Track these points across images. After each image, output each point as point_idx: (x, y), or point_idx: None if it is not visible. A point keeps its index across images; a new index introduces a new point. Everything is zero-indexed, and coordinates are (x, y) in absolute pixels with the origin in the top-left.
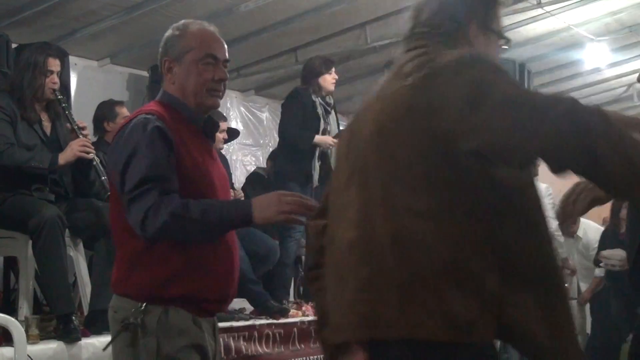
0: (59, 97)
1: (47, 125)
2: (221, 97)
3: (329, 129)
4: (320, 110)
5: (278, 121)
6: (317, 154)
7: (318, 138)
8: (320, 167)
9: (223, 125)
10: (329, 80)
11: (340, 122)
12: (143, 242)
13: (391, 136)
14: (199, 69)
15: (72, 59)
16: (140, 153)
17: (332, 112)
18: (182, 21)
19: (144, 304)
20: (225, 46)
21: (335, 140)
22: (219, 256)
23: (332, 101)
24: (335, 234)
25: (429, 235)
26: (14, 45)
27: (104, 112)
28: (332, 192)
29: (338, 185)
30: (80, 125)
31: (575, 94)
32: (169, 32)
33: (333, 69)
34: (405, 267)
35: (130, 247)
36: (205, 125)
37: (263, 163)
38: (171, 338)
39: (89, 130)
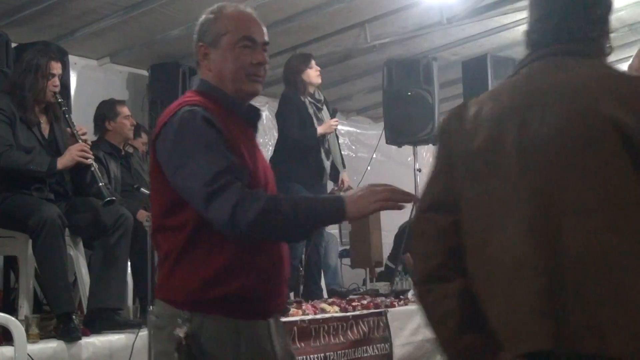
0: (60, 100)
1: (45, 128)
2: (261, 83)
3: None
4: (311, 110)
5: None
6: (322, 150)
7: (320, 128)
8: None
9: None
10: (312, 74)
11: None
12: (184, 240)
13: (593, 149)
14: (236, 53)
15: (71, 58)
16: (202, 146)
17: (324, 107)
18: (217, 4)
19: (185, 312)
20: (264, 28)
21: (336, 121)
22: (265, 249)
23: (322, 97)
24: (492, 238)
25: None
26: (13, 45)
27: (105, 111)
28: (472, 187)
29: (488, 181)
30: (80, 131)
31: None
32: (203, 17)
33: (313, 62)
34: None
35: (171, 247)
36: (247, 114)
37: None
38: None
39: (89, 129)
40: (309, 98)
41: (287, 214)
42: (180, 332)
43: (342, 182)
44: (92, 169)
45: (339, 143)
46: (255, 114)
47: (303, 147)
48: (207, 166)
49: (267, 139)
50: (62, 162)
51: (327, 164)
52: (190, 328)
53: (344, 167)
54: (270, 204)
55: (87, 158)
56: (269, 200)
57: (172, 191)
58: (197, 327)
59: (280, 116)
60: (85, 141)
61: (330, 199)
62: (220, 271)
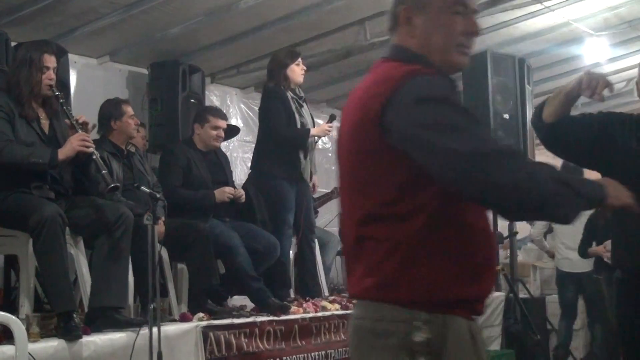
0: (56, 93)
1: (44, 123)
2: (469, 55)
3: (304, 122)
4: (293, 105)
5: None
6: (301, 151)
7: (314, 130)
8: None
9: (219, 123)
10: (296, 71)
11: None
12: (419, 230)
13: None
14: (447, 19)
15: (71, 57)
16: (459, 111)
17: (305, 104)
18: None
19: (422, 313)
20: None
21: (330, 126)
22: (487, 243)
23: (302, 94)
24: None
25: None
26: (13, 44)
27: (111, 110)
28: None
29: None
30: (81, 120)
31: None
32: None
33: (299, 60)
34: None
35: (399, 239)
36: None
37: None
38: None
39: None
40: (291, 93)
41: (575, 188)
42: (419, 337)
43: (313, 186)
44: (94, 157)
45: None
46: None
47: (289, 145)
48: (472, 133)
49: None
50: (64, 152)
51: (304, 163)
52: (431, 331)
53: (315, 171)
54: (555, 175)
55: (88, 147)
56: (553, 172)
57: (403, 172)
58: (439, 330)
59: (265, 110)
60: (86, 131)
61: (589, 181)
62: (459, 267)
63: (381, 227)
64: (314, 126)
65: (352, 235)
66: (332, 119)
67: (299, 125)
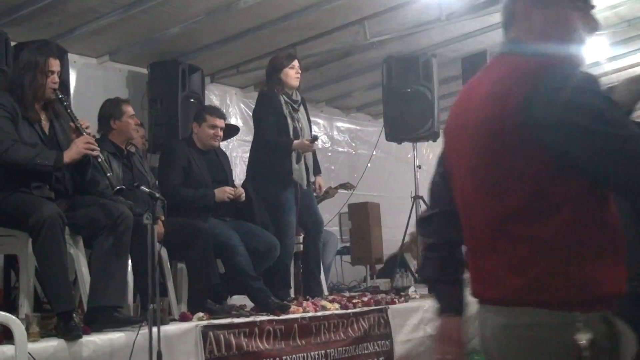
0: (60, 96)
1: (45, 125)
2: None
3: (299, 126)
4: (286, 110)
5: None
6: (294, 155)
7: (296, 143)
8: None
9: (216, 122)
10: (291, 74)
11: (310, 117)
12: (566, 226)
13: None
14: (569, 14)
15: (71, 57)
16: (605, 100)
17: (301, 108)
18: None
19: (578, 314)
20: None
21: (311, 145)
22: (621, 237)
23: (298, 98)
24: None
25: None
26: (12, 43)
27: (111, 109)
28: None
29: None
30: (84, 125)
31: None
32: None
33: (295, 63)
34: None
35: (546, 237)
36: None
37: None
38: None
39: (94, 126)
40: (285, 97)
41: None
42: (583, 339)
43: (319, 186)
44: (99, 160)
45: (314, 152)
46: None
47: (276, 152)
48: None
49: None
50: (69, 155)
51: (296, 168)
52: (594, 331)
53: (320, 171)
54: None
55: (93, 150)
56: None
57: (544, 167)
58: (601, 328)
59: (256, 116)
60: (89, 134)
61: None
62: (612, 260)
63: (523, 224)
64: (310, 129)
65: (487, 233)
66: (314, 139)
67: (290, 130)
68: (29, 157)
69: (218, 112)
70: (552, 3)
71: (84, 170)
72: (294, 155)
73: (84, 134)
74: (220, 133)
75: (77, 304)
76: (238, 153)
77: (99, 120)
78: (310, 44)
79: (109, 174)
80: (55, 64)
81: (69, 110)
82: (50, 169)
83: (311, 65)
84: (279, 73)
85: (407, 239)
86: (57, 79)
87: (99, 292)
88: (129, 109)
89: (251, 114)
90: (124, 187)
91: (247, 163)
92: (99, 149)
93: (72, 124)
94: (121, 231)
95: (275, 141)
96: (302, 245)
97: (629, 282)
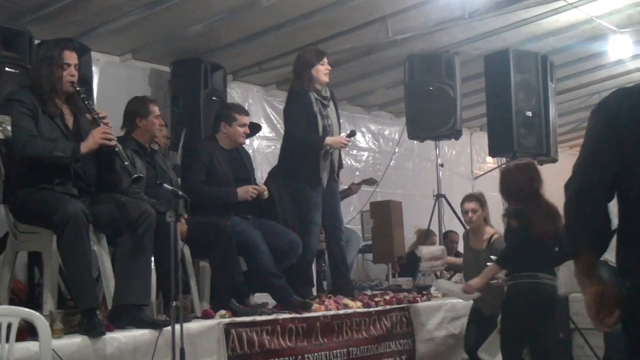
0: (77, 89)
1: (69, 119)
2: None
3: (328, 123)
4: (316, 108)
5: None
6: (321, 153)
7: (329, 139)
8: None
9: (245, 120)
10: (321, 70)
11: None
12: None
13: None
14: None
15: (94, 55)
16: None
17: (330, 104)
18: None
19: None
20: None
21: (347, 141)
22: None
23: (327, 93)
24: None
25: None
26: (36, 41)
27: (137, 107)
28: None
29: None
30: (101, 115)
31: (597, 87)
32: None
33: (325, 59)
34: None
35: None
36: None
37: None
38: None
39: (117, 123)
40: (315, 94)
41: None
42: None
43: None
44: (117, 149)
45: (340, 151)
46: None
47: (303, 149)
48: None
49: None
50: (86, 145)
51: (322, 165)
52: None
53: (341, 165)
54: None
55: (110, 139)
56: None
57: None
58: None
59: (285, 113)
60: (106, 124)
61: None
62: None
63: None
64: (339, 126)
65: None
66: (352, 134)
67: (320, 127)
68: (46, 150)
69: (244, 110)
70: None
71: (110, 162)
72: (320, 153)
73: (101, 124)
74: (249, 130)
75: (101, 301)
76: (260, 151)
77: (124, 117)
78: (332, 41)
79: (126, 163)
80: (70, 57)
81: (86, 103)
82: (68, 160)
83: (333, 63)
84: (309, 70)
85: (415, 236)
86: (74, 72)
87: (123, 290)
88: (155, 109)
89: (273, 112)
90: (141, 175)
91: (270, 161)
92: (115, 138)
93: (88, 115)
94: (144, 229)
95: (304, 138)
96: (324, 244)
97: None
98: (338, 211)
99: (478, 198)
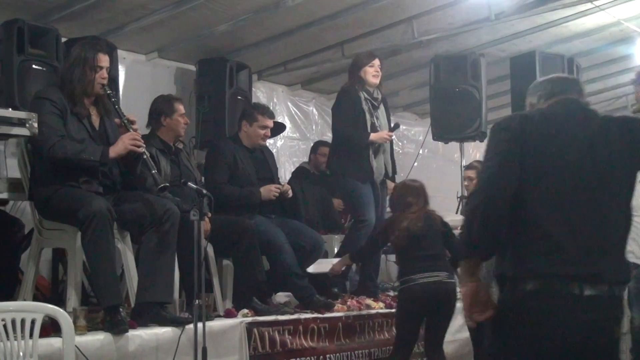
0: (108, 92)
1: (95, 120)
2: None
3: (377, 123)
4: (365, 106)
5: (324, 115)
6: (371, 150)
7: (373, 135)
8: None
9: (267, 123)
10: (370, 72)
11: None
12: None
13: None
14: None
15: (120, 53)
16: None
17: (381, 106)
18: None
19: None
20: None
21: (391, 134)
22: None
23: (379, 96)
24: None
25: None
26: (63, 39)
27: (162, 106)
28: None
29: None
30: (131, 119)
31: (624, 90)
32: None
33: (375, 61)
34: None
35: None
36: None
37: None
38: None
39: (142, 122)
40: (365, 94)
41: None
42: None
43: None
44: (145, 157)
45: (392, 150)
46: None
47: (352, 145)
48: None
49: (313, 134)
50: (115, 150)
51: (375, 164)
52: None
53: (396, 171)
54: None
55: (139, 146)
56: None
57: None
58: None
59: (334, 110)
60: (135, 130)
61: None
62: None
63: None
64: (389, 128)
65: None
66: (395, 127)
67: (369, 125)
68: (75, 152)
69: (269, 112)
70: None
71: (133, 166)
72: (370, 150)
73: (130, 130)
74: (270, 133)
75: (124, 298)
76: (284, 151)
77: (149, 115)
78: (357, 42)
79: (153, 171)
80: (104, 60)
81: (116, 107)
82: (97, 163)
83: None
84: (359, 70)
85: None
86: (105, 75)
87: (146, 288)
88: (181, 108)
89: (297, 112)
90: (167, 184)
91: (293, 161)
92: (144, 145)
93: (117, 120)
94: (168, 227)
95: (349, 134)
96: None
97: None
98: (382, 214)
99: (477, 167)
